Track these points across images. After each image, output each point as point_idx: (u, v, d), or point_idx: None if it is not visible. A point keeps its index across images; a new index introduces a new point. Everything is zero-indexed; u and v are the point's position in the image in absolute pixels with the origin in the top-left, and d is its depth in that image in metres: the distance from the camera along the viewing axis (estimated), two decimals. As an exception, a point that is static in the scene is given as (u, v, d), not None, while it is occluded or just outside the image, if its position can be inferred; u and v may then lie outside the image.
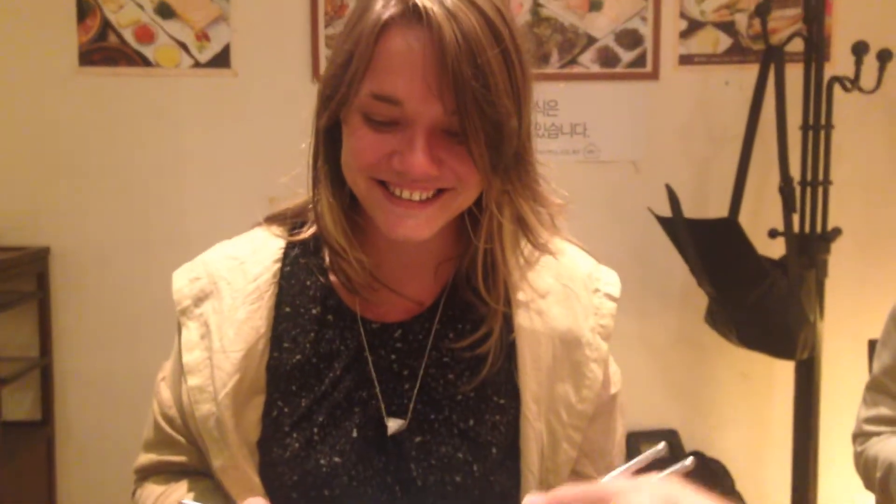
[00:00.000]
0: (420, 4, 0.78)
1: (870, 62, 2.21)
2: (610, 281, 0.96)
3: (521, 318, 0.90)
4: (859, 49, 2.20)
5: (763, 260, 2.09)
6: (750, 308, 2.03)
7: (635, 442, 2.36)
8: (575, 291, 0.93)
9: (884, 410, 1.12)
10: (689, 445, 2.41)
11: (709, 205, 2.38)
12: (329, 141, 0.86)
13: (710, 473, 2.31)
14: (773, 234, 2.20)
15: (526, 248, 0.91)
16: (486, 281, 0.89)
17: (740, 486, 2.37)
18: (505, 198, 0.86)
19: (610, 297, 0.95)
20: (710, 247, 2.07)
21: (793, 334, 2.02)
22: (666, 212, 2.16)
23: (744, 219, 2.24)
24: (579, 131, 2.43)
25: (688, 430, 2.43)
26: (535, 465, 0.88)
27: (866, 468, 1.13)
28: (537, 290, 0.91)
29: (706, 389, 2.46)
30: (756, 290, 2.01)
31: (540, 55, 2.41)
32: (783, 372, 2.30)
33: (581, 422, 0.90)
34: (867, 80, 2.21)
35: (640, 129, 2.44)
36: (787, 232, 2.11)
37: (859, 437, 1.15)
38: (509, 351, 0.90)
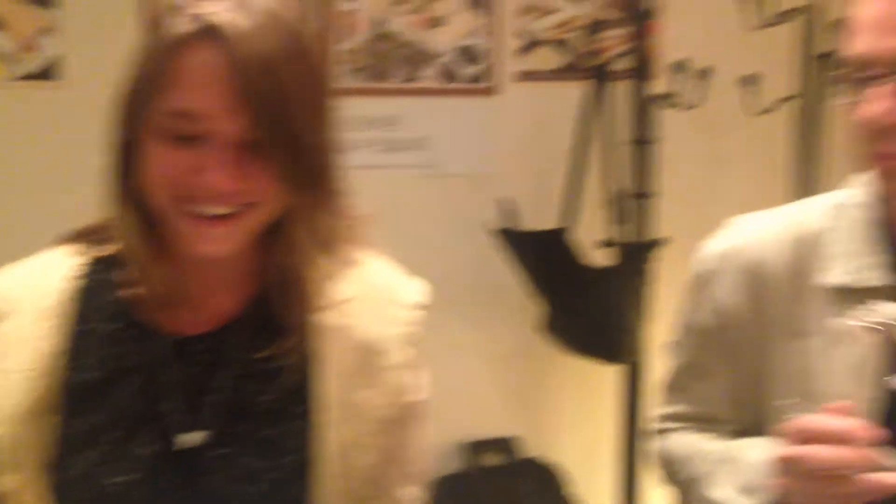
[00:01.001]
0: (215, 22, 0.79)
1: (692, 80, 2.34)
2: (413, 290, 0.99)
3: (324, 328, 0.92)
4: (681, 67, 2.33)
5: (591, 269, 2.18)
6: (579, 317, 2.11)
7: (474, 451, 2.41)
8: (376, 300, 0.96)
9: (680, 408, 1.19)
10: (528, 453, 2.47)
11: (550, 217, 2.45)
12: (128, 157, 0.86)
13: (543, 478, 2.39)
14: (603, 244, 2.29)
15: (327, 259, 0.93)
16: (289, 292, 0.91)
17: (577, 489, 2.45)
18: (306, 211, 0.89)
19: (413, 305, 0.98)
20: (540, 258, 2.15)
21: (620, 341, 2.11)
22: (507, 225, 2.23)
23: (581, 230, 2.33)
24: (421, 146, 2.47)
25: (527, 438, 2.49)
26: (334, 471, 0.90)
27: (665, 464, 1.20)
28: (339, 299, 0.94)
29: (544, 397, 2.54)
30: (584, 299, 2.09)
31: (381, 71, 2.43)
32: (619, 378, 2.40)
33: (381, 428, 0.93)
34: (690, 96, 2.33)
35: (480, 144, 2.50)
36: (616, 242, 2.21)
37: (657, 433, 1.21)
38: (311, 359, 0.92)
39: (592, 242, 2.32)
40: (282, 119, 0.80)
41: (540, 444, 2.50)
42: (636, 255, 2.24)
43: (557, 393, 2.53)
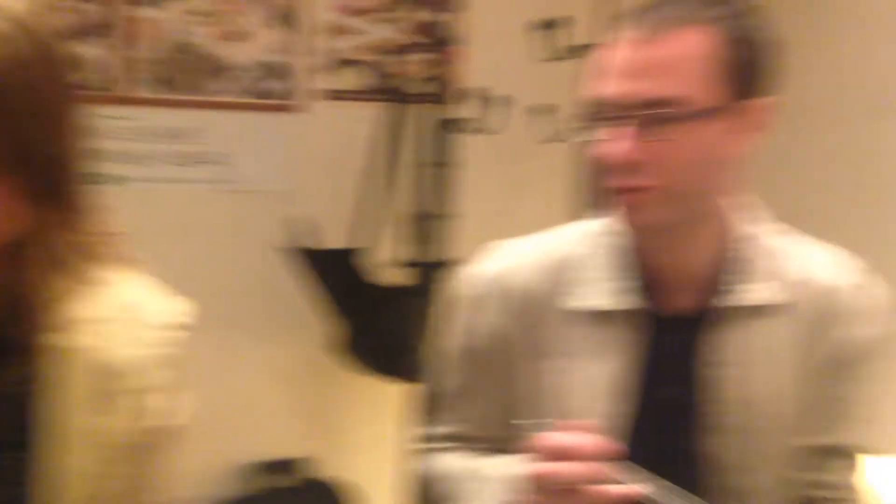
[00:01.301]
0: None
1: (491, 107, 2.42)
2: (166, 310, 0.95)
3: (59, 351, 0.88)
4: (482, 94, 2.41)
5: (382, 288, 2.21)
6: (369, 335, 2.14)
7: (262, 472, 2.38)
8: (122, 321, 0.92)
9: (447, 428, 1.23)
10: (317, 473, 2.47)
11: (350, 236, 2.46)
12: None
13: (333, 498, 2.39)
14: (398, 263, 2.33)
15: (66, 279, 0.89)
16: (19, 314, 0.86)
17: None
18: (44, 227, 0.84)
19: (164, 326, 0.94)
20: (333, 276, 2.16)
21: (409, 359, 2.15)
22: (304, 243, 2.22)
23: (378, 249, 2.35)
24: (219, 161, 2.42)
25: (316, 458, 2.49)
26: (73, 502, 0.86)
27: (427, 483, 1.22)
28: (77, 321, 0.89)
29: (334, 417, 2.54)
30: (374, 318, 2.12)
31: (181, 82, 2.37)
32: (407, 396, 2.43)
33: (123, 455, 0.89)
34: (489, 122, 2.40)
35: (281, 161, 2.48)
36: (411, 261, 2.26)
37: (425, 452, 1.24)
38: (44, 384, 0.88)
39: (388, 261, 2.35)
40: (12, 131, 0.76)
41: (329, 464, 2.50)
42: (430, 275, 2.29)
43: (347, 412, 2.54)
